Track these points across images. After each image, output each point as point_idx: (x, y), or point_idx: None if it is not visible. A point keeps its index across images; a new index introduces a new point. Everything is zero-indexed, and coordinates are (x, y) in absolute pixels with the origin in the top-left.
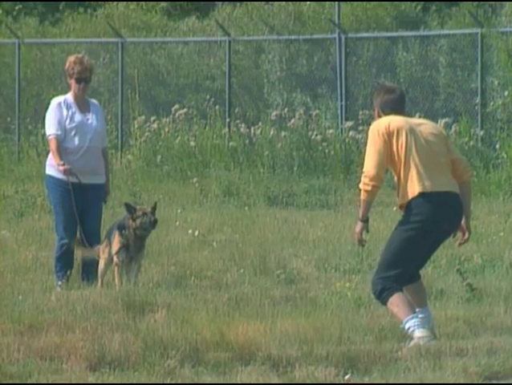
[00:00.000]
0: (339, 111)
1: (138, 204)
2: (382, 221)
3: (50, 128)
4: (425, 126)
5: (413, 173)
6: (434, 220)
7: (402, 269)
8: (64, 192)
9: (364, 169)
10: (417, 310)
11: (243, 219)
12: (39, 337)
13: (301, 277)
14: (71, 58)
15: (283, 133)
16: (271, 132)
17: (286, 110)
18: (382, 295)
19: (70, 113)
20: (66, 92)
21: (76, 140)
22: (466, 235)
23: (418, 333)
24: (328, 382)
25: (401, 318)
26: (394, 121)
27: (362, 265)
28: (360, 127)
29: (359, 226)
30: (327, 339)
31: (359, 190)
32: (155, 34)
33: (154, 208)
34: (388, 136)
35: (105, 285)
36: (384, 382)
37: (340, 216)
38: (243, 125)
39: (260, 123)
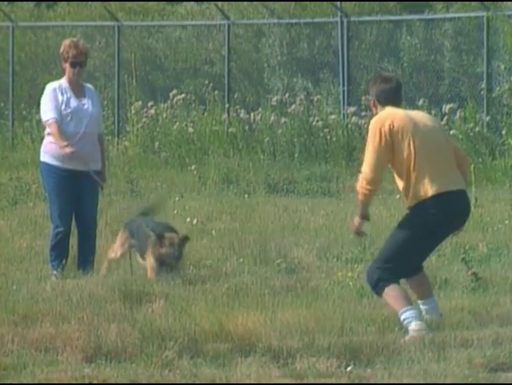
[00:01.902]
0: (341, 97)
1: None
2: (385, 209)
3: (48, 113)
4: (425, 119)
5: (425, 173)
6: (445, 220)
7: (402, 263)
8: (60, 179)
9: (363, 170)
10: (422, 301)
11: (243, 207)
12: (34, 327)
13: (302, 266)
14: (66, 42)
15: (284, 119)
16: (271, 118)
17: (286, 95)
18: (378, 285)
19: (65, 98)
20: (61, 77)
21: (72, 126)
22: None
23: (414, 325)
24: (330, 373)
25: (397, 310)
26: (397, 119)
27: (364, 254)
28: (363, 113)
29: (358, 221)
30: (329, 330)
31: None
32: (152, 18)
33: (183, 241)
34: (391, 137)
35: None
36: (387, 373)
37: (342, 203)
38: (243, 111)
39: (260, 109)
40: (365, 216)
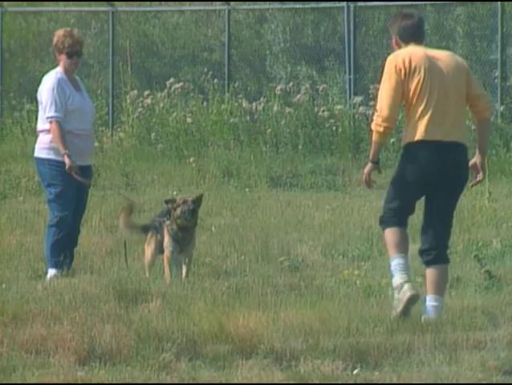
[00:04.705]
0: (347, 86)
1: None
2: None
3: (52, 109)
4: (446, 60)
5: (421, 117)
6: (429, 169)
7: (399, 204)
8: (65, 173)
9: (378, 107)
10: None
11: (244, 201)
12: (24, 328)
13: (306, 264)
14: (60, 32)
15: (287, 109)
16: (275, 108)
17: (290, 84)
18: (381, 225)
19: (69, 92)
20: (53, 64)
21: (78, 122)
22: (480, 176)
23: (397, 276)
24: (335, 376)
25: (389, 255)
26: (413, 57)
27: (372, 251)
28: (371, 103)
29: (368, 167)
30: (334, 331)
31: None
32: (149, 3)
33: (198, 199)
34: (405, 73)
35: (95, 272)
36: (395, 376)
37: (348, 198)
38: (244, 100)
39: (262, 98)
40: (376, 161)
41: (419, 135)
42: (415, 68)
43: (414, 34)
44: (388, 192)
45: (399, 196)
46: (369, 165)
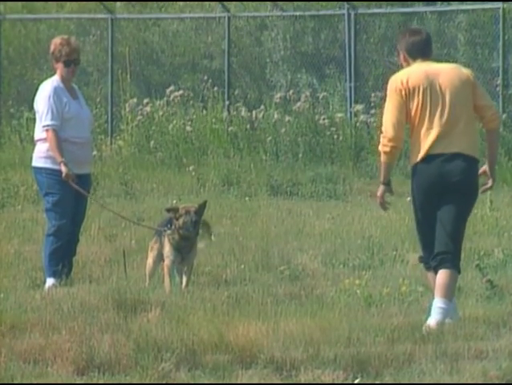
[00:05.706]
0: (348, 94)
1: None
2: (394, 212)
3: (48, 117)
4: (448, 75)
5: (422, 138)
6: (432, 181)
7: (427, 226)
8: (63, 181)
9: (383, 129)
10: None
11: (244, 210)
12: (22, 338)
13: (306, 273)
14: (57, 40)
15: (287, 117)
16: (275, 116)
17: (290, 92)
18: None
19: (65, 100)
20: (52, 72)
21: (75, 131)
22: (490, 182)
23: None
24: None
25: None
26: (412, 77)
27: (373, 261)
28: (372, 111)
29: (380, 189)
30: (335, 341)
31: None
32: (150, 10)
33: (201, 207)
34: (405, 94)
35: (94, 281)
36: None
37: (349, 207)
38: (244, 108)
39: (262, 107)
40: (388, 183)
41: (422, 153)
42: (413, 89)
43: (422, 50)
44: (414, 216)
45: (421, 216)
46: (381, 188)
